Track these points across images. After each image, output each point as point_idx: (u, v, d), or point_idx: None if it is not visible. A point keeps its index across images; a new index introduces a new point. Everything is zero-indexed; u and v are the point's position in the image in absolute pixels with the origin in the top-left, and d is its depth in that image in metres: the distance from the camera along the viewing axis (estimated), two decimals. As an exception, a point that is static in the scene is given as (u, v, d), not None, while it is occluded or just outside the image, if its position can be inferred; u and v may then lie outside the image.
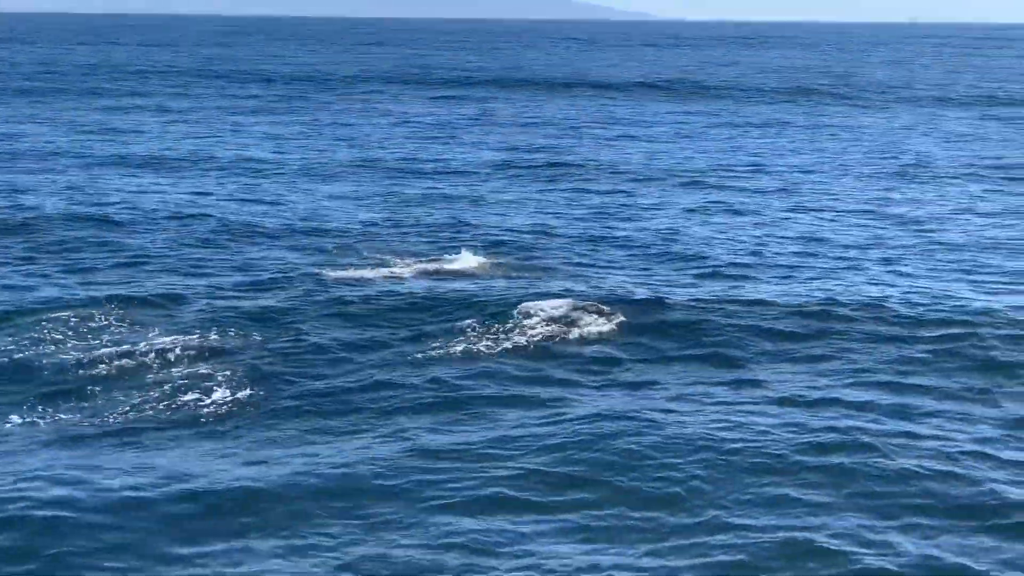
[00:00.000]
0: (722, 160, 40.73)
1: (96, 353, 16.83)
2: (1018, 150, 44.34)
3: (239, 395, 15.38)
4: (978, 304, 20.47)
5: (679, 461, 13.24)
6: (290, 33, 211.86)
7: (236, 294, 20.93)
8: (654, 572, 10.84)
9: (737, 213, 30.32)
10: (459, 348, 17.35)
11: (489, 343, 17.54)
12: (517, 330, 18.04)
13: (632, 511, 12.09)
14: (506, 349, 17.36)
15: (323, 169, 37.43)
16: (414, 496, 12.26)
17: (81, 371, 16.27)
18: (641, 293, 20.82)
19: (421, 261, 23.35)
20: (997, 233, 27.53)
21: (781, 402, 15.37)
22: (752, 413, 14.91)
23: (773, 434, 14.07)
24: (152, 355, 16.82)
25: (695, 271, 23.34)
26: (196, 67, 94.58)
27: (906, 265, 24.23)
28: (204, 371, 16.28)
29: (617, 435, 13.86)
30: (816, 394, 15.72)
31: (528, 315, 18.59)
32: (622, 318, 18.78)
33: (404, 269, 22.76)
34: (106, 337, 17.78)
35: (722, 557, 11.15)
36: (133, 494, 12.15)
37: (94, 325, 18.45)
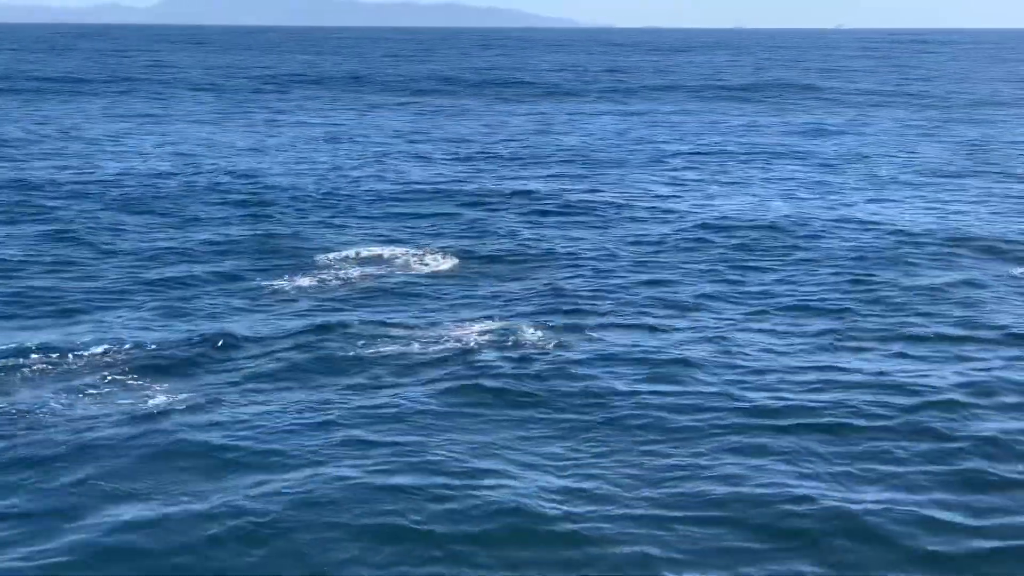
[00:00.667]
0: (660, 151, 41.11)
1: (20, 361, 16.28)
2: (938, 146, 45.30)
3: (177, 398, 15.04)
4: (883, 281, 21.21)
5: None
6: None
7: (171, 300, 20.58)
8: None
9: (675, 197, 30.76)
10: (390, 348, 17.03)
11: (420, 346, 17.22)
12: (446, 337, 17.72)
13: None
14: (436, 351, 16.98)
15: (260, 170, 36.95)
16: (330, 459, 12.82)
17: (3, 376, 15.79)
18: (571, 286, 21.05)
19: (358, 263, 23.01)
20: (916, 217, 28.11)
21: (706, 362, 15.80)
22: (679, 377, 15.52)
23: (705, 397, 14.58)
24: (83, 362, 16.37)
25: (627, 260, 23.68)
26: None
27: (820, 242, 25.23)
28: (136, 379, 15.81)
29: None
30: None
31: (457, 327, 18.36)
32: (556, 324, 18.58)
33: (341, 270, 22.46)
34: (34, 345, 17.24)
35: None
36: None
37: (20, 333, 17.95)
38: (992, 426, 13.95)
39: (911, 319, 18.90)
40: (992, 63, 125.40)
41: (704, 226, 27.30)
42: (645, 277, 21.92)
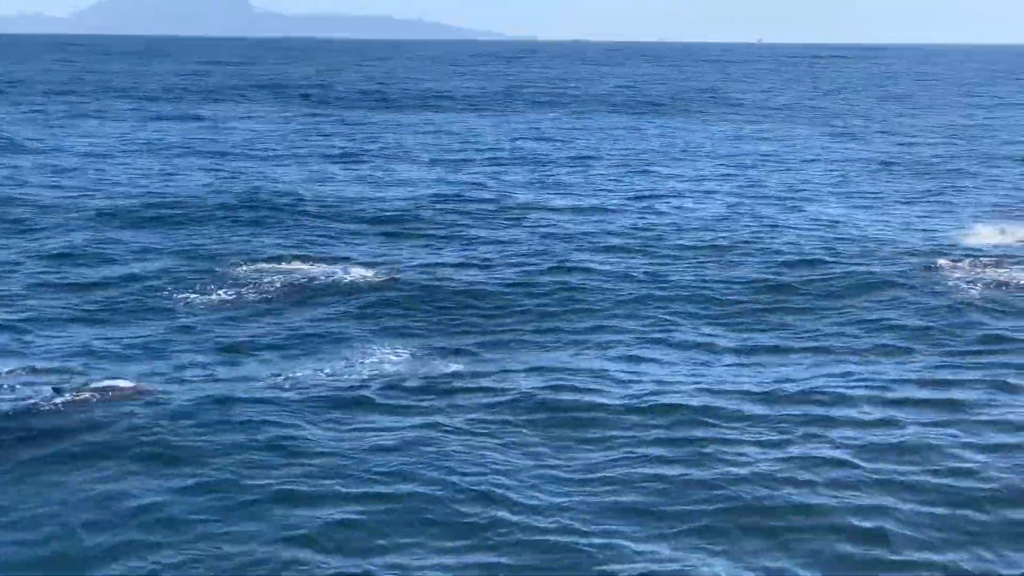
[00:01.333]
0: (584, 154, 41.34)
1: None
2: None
3: (97, 398, 14.74)
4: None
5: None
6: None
7: (84, 307, 20.16)
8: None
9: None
10: (304, 368, 16.59)
11: (336, 358, 16.98)
12: (362, 349, 17.50)
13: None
14: (353, 364, 16.71)
15: (179, 178, 36.35)
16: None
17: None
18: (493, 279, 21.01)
19: (278, 274, 22.26)
20: (834, 221, 28.54)
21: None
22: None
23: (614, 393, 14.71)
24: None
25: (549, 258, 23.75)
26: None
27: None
28: (46, 383, 15.40)
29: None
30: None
31: (373, 339, 18.17)
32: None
33: (262, 281, 21.83)
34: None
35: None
36: None
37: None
38: (904, 431, 14.12)
39: (824, 324, 19.14)
40: (914, 77, 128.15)
41: (623, 232, 27.50)
42: (561, 283, 21.81)
